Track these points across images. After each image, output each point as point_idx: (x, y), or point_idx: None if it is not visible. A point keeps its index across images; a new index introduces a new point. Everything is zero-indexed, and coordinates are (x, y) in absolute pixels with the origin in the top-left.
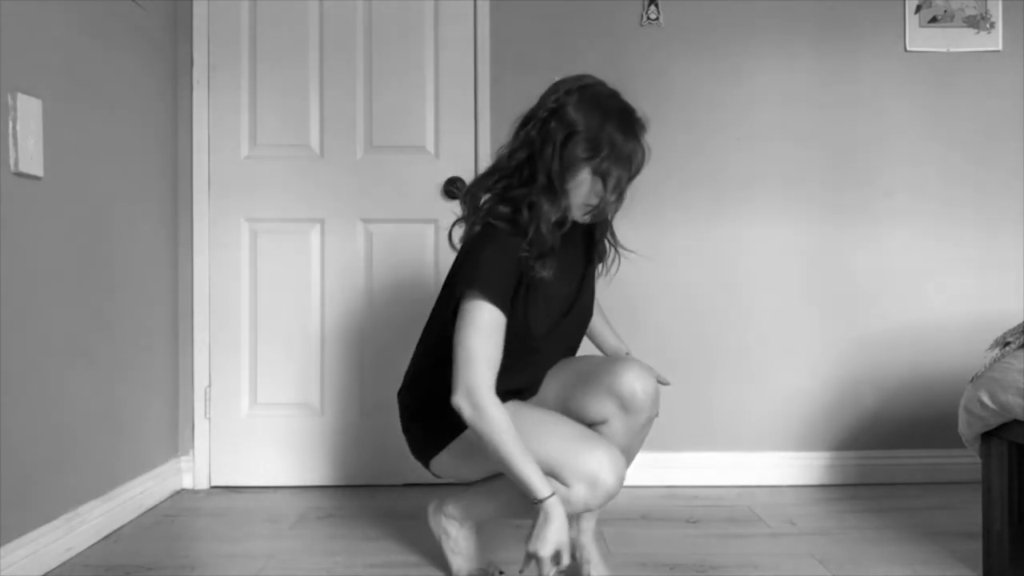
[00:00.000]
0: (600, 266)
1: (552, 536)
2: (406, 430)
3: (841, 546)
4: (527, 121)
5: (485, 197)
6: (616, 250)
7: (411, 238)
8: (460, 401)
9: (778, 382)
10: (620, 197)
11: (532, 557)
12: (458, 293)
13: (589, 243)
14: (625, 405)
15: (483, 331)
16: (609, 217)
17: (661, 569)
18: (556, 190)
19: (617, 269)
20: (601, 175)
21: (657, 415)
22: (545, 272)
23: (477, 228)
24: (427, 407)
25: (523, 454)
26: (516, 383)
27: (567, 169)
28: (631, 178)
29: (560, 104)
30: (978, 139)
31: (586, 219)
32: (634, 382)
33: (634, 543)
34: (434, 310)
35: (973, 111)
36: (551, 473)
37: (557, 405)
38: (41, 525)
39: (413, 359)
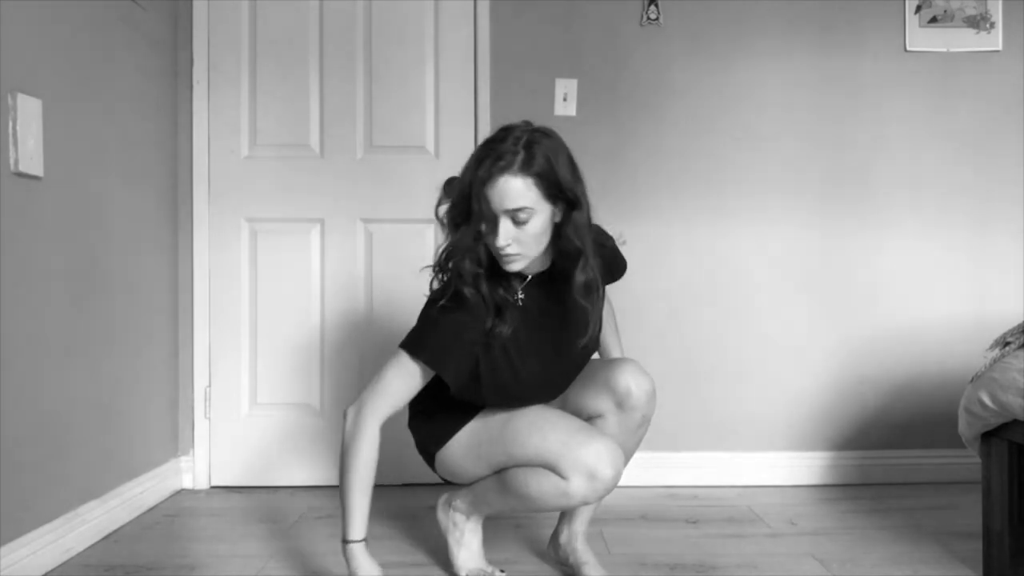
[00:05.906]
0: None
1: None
2: (413, 429)
3: (841, 546)
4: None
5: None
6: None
7: (411, 238)
8: (350, 411)
9: (778, 382)
10: (495, 230)
11: None
12: (402, 343)
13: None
14: (620, 402)
15: (400, 374)
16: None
17: (661, 569)
18: (470, 246)
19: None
20: (485, 218)
21: (652, 414)
22: (505, 329)
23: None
24: (431, 405)
25: (362, 492)
26: None
27: (474, 224)
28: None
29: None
30: (978, 139)
31: (513, 267)
32: (631, 380)
33: (634, 543)
34: None
35: (973, 111)
36: (549, 466)
37: (557, 401)
38: (41, 525)
39: None
